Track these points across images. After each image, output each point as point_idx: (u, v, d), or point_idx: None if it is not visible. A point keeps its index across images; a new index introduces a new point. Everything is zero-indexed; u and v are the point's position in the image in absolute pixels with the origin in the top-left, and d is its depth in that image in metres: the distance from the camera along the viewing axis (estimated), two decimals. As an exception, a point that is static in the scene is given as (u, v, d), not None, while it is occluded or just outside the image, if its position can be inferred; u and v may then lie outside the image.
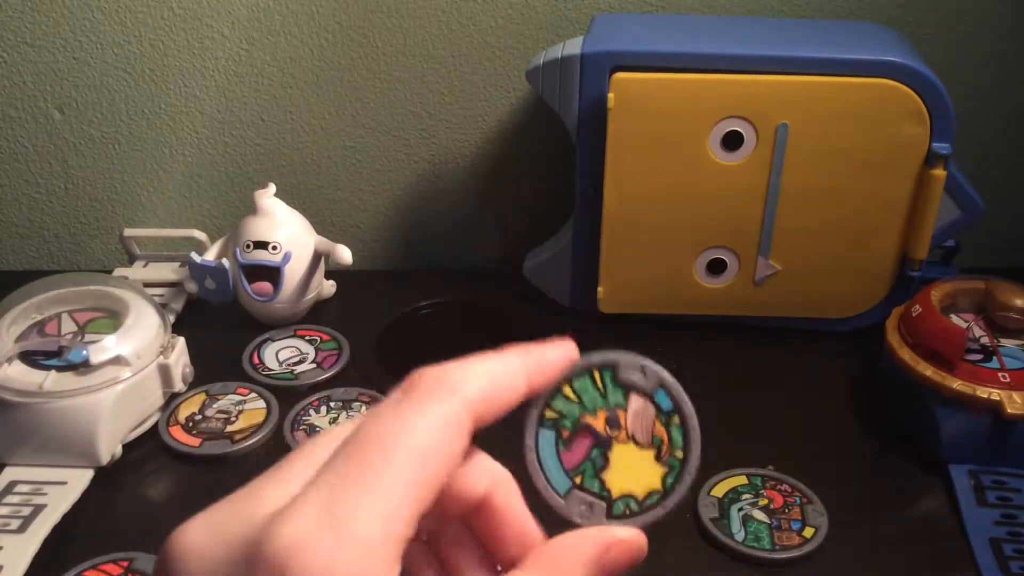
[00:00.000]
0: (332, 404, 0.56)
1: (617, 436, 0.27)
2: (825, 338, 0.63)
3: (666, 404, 0.27)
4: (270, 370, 0.59)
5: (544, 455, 0.27)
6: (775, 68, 0.55)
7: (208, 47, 0.68)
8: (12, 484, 0.49)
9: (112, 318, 0.54)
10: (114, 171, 0.72)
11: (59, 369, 0.50)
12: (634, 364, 0.27)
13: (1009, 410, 0.48)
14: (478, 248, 0.76)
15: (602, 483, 0.27)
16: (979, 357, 0.51)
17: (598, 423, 0.27)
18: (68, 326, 0.54)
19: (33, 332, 0.53)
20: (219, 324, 0.64)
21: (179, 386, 0.55)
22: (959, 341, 0.50)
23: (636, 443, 0.27)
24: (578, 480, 0.27)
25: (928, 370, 0.51)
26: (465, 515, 0.27)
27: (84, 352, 0.50)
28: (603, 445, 0.27)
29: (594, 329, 0.63)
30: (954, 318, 0.54)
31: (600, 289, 0.62)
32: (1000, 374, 0.50)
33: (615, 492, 0.27)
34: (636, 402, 0.27)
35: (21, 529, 0.46)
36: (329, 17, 0.67)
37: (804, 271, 0.60)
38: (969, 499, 0.49)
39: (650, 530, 0.49)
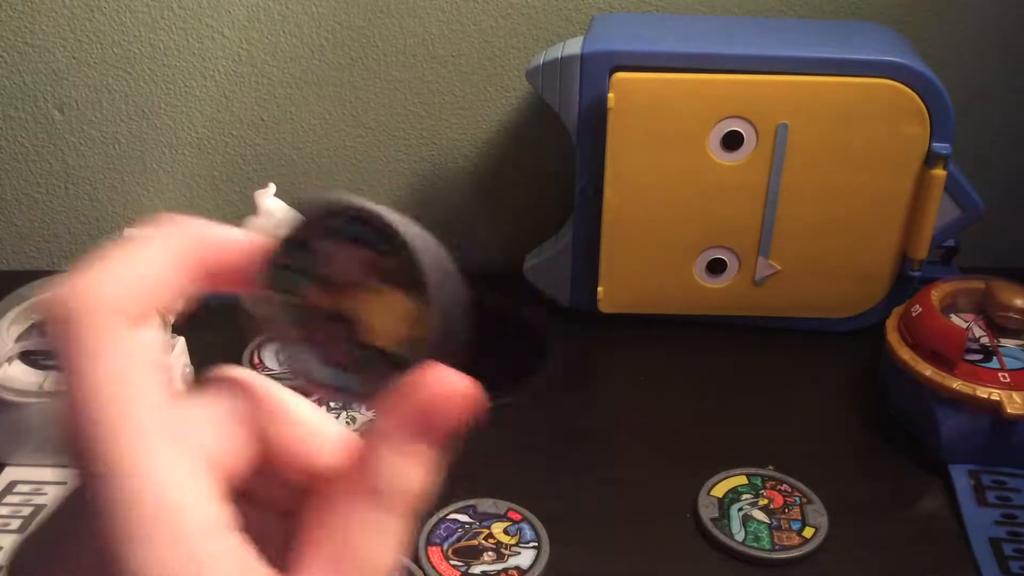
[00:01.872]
0: (333, 404, 0.56)
1: (352, 296, 0.23)
2: (825, 338, 0.63)
3: (385, 239, 0.23)
4: (270, 370, 0.59)
5: (298, 360, 0.23)
6: (775, 68, 0.55)
7: (208, 47, 0.68)
8: (12, 484, 0.49)
9: (112, 318, 0.54)
10: (114, 171, 0.72)
11: (59, 369, 0.50)
12: (320, 212, 0.23)
13: (1009, 410, 0.48)
14: (478, 248, 0.76)
15: (368, 348, 0.23)
16: (979, 357, 0.51)
17: (322, 298, 0.23)
18: (68, 326, 0.54)
19: (33, 332, 0.53)
20: (219, 324, 0.64)
21: (179, 386, 0.55)
22: (959, 341, 0.50)
23: (365, 288, 0.23)
24: (341, 358, 0.23)
25: (928, 370, 0.51)
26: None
27: (84, 352, 0.50)
28: (343, 317, 0.23)
29: (594, 329, 0.63)
30: (954, 318, 0.54)
31: (600, 289, 0.62)
32: (1000, 374, 0.50)
33: (391, 346, 0.23)
34: (350, 253, 0.23)
35: (21, 529, 0.46)
36: (329, 17, 0.67)
37: (804, 271, 0.60)
38: (969, 499, 0.49)
39: (650, 530, 0.49)
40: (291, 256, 0.23)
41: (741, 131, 0.56)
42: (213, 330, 0.63)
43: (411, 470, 0.22)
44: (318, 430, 0.24)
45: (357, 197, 0.23)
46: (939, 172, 0.56)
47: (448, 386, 0.22)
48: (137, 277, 0.22)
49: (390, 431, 0.22)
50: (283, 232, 0.23)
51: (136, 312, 0.22)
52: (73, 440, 0.20)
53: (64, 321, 0.21)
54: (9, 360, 0.51)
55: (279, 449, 0.23)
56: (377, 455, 0.21)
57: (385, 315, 0.23)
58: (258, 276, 0.23)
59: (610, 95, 0.55)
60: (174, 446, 0.20)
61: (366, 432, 0.22)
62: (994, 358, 0.51)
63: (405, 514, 0.22)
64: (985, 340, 0.52)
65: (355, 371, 0.23)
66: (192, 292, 0.23)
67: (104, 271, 0.22)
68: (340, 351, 0.23)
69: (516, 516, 0.47)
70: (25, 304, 0.54)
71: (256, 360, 0.60)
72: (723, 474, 0.50)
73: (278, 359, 0.24)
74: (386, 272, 0.23)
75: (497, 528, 0.46)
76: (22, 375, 0.50)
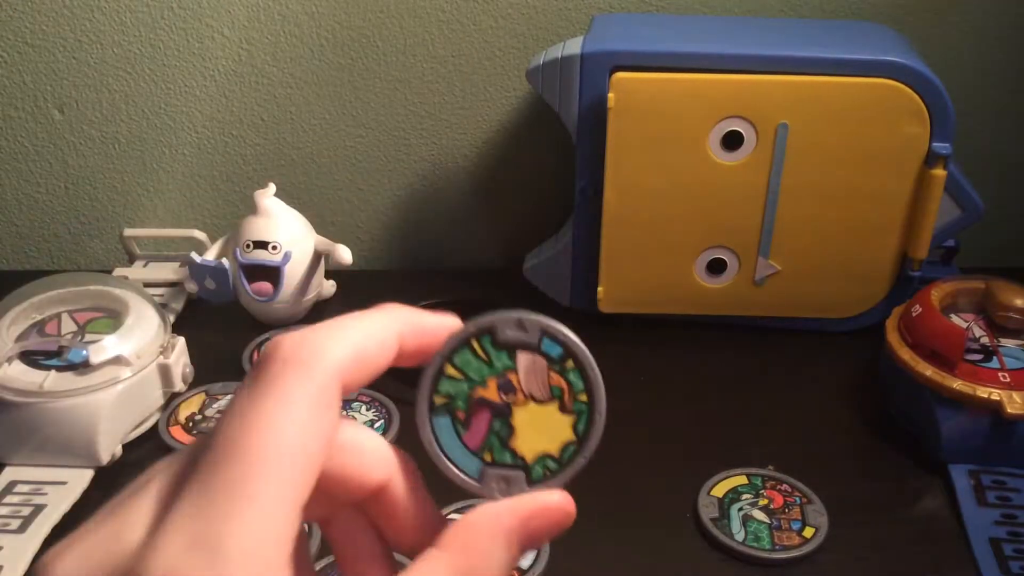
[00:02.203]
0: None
1: (514, 400, 0.26)
2: (825, 338, 0.63)
3: (555, 351, 0.25)
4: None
5: (446, 444, 0.26)
6: (775, 68, 0.55)
7: (208, 47, 0.68)
8: (12, 484, 0.49)
9: (112, 318, 0.54)
10: (114, 171, 0.72)
11: (59, 369, 0.50)
12: (510, 320, 0.25)
13: (1009, 410, 0.48)
14: (478, 248, 0.76)
15: (513, 452, 0.26)
16: (979, 357, 0.51)
17: (491, 393, 0.26)
18: (68, 326, 0.54)
19: (33, 332, 0.53)
20: (219, 324, 0.64)
21: (179, 386, 0.55)
22: (959, 341, 0.50)
23: (536, 400, 0.26)
24: (487, 458, 0.26)
25: (928, 370, 0.51)
26: (362, 503, 0.25)
27: (84, 352, 0.50)
28: (502, 414, 0.26)
29: (594, 329, 0.63)
30: (954, 318, 0.54)
31: (600, 289, 0.62)
32: (1000, 374, 0.50)
33: (529, 457, 0.26)
34: (524, 359, 0.25)
35: (21, 529, 0.46)
36: (329, 17, 0.67)
37: (804, 271, 0.60)
38: (969, 499, 0.49)
39: (650, 530, 0.49)
40: (482, 347, 0.26)
41: (741, 131, 0.56)
42: (213, 330, 0.64)
43: (504, 571, 0.24)
44: (364, 449, 0.25)
45: (557, 322, 0.26)
46: (939, 172, 0.56)
47: (562, 507, 0.25)
48: (362, 345, 0.23)
49: (504, 531, 0.24)
50: (479, 324, 0.25)
51: (352, 377, 0.23)
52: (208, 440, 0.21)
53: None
54: (9, 360, 0.51)
55: (333, 476, 0.24)
56: (487, 547, 0.24)
57: (537, 428, 0.26)
58: (443, 357, 0.26)
59: (610, 95, 0.55)
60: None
61: (475, 517, 0.24)
62: (994, 358, 0.51)
63: None
64: (985, 340, 0.52)
65: (484, 462, 0.26)
66: (396, 365, 0.25)
67: (337, 330, 0.23)
68: (482, 439, 0.26)
69: (516, 516, 0.47)
70: (25, 304, 0.54)
71: (256, 360, 0.60)
72: (723, 474, 0.50)
73: (423, 428, 0.26)
74: (555, 389, 0.26)
75: (497, 528, 0.46)
76: (22, 375, 0.50)
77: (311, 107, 0.70)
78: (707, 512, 0.48)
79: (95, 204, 0.73)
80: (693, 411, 0.56)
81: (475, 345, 0.25)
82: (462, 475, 0.26)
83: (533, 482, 0.26)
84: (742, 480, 0.50)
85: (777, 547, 0.46)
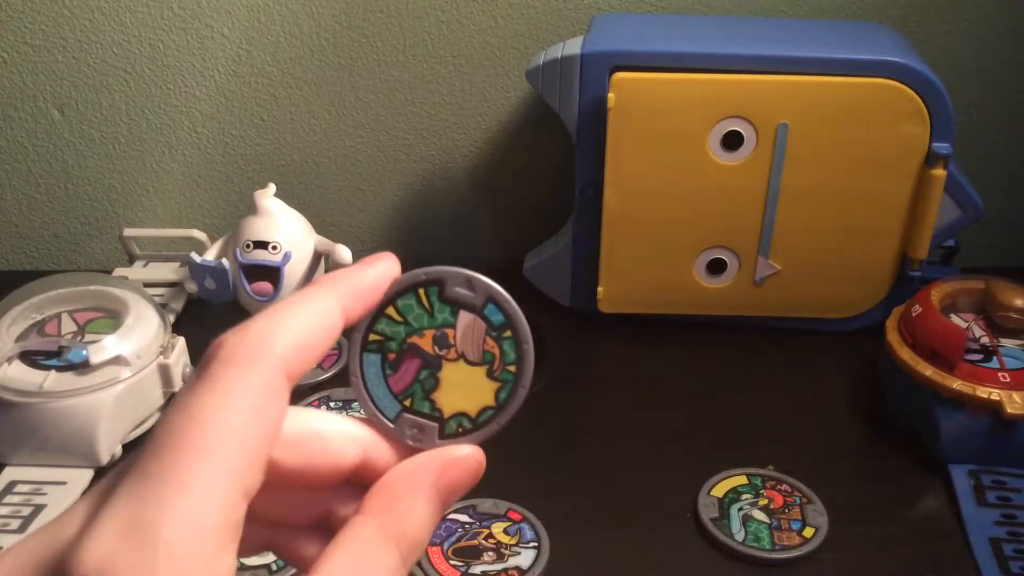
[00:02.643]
0: (332, 404, 0.56)
1: (446, 355, 0.26)
2: (825, 338, 0.63)
3: (496, 318, 0.26)
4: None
5: (370, 380, 0.26)
6: (775, 68, 0.55)
7: (208, 47, 0.68)
8: (12, 484, 0.49)
9: (112, 318, 0.54)
10: (114, 171, 0.72)
11: (59, 369, 0.50)
12: (461, 278, 0.26)
13: (1009, 410, 0.48)
14: (478, 248, 0.76)
15: (433, 404, 0.26)
16: (979, 357, 0.51)
17: (425, 343, 0.26)
18: (68, 326, 0.54)
19: (33, 332, 0.53)
20: (219, 324, 0.64)
21: (179, 386, 0.55)
22: (959, 341, 0.50)
23: (466, 360, 0.26)
24: (407, 403, 0.26)
25: (928, 370, 0.51)
26: (353, 483, 0.26)
27: (84, 352, 0.50)
28: (432, 365, 0.26)
29: (594, 329, 0.63)
30: (954, 318, 0.54)
31: (600, 289, 0.62)
32: (1000, 374, 0.50)
33: (447, 411, 0.26)
34: (465, 318, 0.26)
35: (21, 529, 0.46)
36: (329, 17, 0.67)
37: (804, 271, 0.60)
38: (969, 499, 0.49)
39: (650, 530, 0.49)
40: (427, 297, 0.26)
41: (741, 131, 0.56)
42: (213, 330, 0.64)
43: (430, 525, 0.24)
44: (327, 435, 0.25)
45: (504, 291, 0.26)
46: (939, 172, 0.56)
47: (474, 458, 0.25)
48: (305, 335, 0.23)
49: (422, 486, 0.24)
50: (430, 274, 0.26)
51: (297, 367, 0.23)
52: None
53: (224, 361, 0.22)
54: (9, 360, 0.51)
55: (302, 470, 0.24)
56: (408, 504, 0.24)
57: (461, 387, 0.26)
58: (387, 297, 0.26)
59: (610, 95, 0.55)
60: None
61: (392, 477, 0.25)
62: (994, 358, 0.51)
63: (409, 564, 0.24)
64: (985, 340, 0.52)
65: (403, 406, 0.26)
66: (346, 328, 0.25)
67: (279, 323, 0.23)
68: (406, 384, 0.26)
69: (516, 516, 0.47)
70: (25, 304, 0.54)
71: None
72: (723, 474, 0.50)
73: (353, 360, 0.27)
74: (487, 354, 0.26)
75: (497, 528, 0.46)
76: (22, 375, 0.50)
77: (311, 107, 0.70)
78: (707, 512, 0.48)
79: (95, 204, 0.73)
80: (693, 411, 0.56)
81: (421, 294, 0.26)
82: (379, 414, 0.26)
83: (446, 436, 0.26)
84: (742, 480, 0.50)
85: (777, 547, 0.46)
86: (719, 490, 0.49)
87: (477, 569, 0.44)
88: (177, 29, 0.67)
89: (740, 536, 0.46)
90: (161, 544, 0.19)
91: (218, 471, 0.20)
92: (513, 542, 0.46)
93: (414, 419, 0.26)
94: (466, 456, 0.25)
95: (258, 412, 0.22)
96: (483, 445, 0.26)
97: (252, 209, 0.63)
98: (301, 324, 0.23)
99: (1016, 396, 0.48)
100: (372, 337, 0.26)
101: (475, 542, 0.46)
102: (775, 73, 0.55)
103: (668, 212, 0.59)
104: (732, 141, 0.57)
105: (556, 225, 0.66)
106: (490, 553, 0.45)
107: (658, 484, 0.50)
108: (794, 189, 0.57)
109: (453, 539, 0.46)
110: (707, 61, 0.55)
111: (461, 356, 0.26)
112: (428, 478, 0.25)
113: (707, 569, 0.45)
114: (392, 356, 0.26)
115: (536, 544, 0.46)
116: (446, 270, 0.26)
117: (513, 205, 0.74)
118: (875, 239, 0.59)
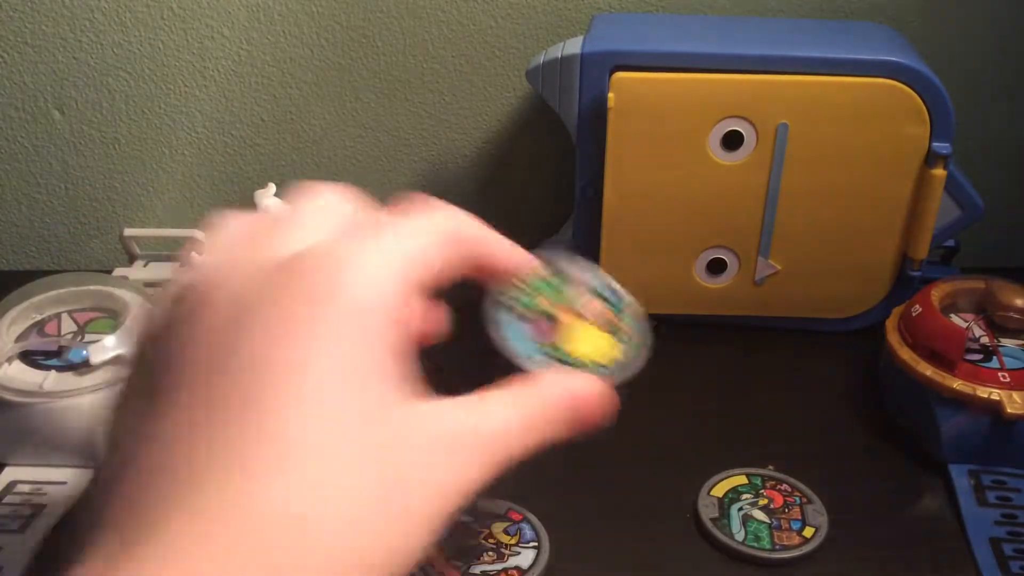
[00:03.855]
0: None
1: (576, 318, 0.30)
2: (825, 338, 0.63)
3: (616, 302, 0.31)
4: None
5: (507, 331, 0.29)
6: (775, 68, 0.55)
7: (208, 47, 0.68)
8: (12, 484, 0.49)
9: (112, 318, 0.54)
10: (114, 171, 0.72)
11: (59, 369, 0.50)
12: (585, 270, 0.31)
13: (1009, 410, 0.48)
14: (478, 248, 0.76)
15: (567, 353, 0.29)
16: (979, 357, 0.51)
17: (557, 310, 0.30)
18: (68, 326, 0.54)
19: (33, 332, 0.53)
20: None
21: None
22: (959, 341, 0.50)
23: (594, 325, 0.30)
24: (547, 351, 0.29)
25: (928, 370, 0.51)
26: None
27: (84, 352, 0.50)
28: (563, 325, 0.30)
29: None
30: (954, 318, 0.54)
31: (600, 289, 0.62)
32: (1000, 374, 0.50)
33: (582, 358, 0.29)
34: (589, 299, 0.31)
35: (21, 529, 0.46)
36: (329, 17, 0.67)
37: (804, 271, 0.60)
38: (969, 499, 0.49)
39: (650, 530, 0.49)
40: (557, 276, 0.31)
41: (741, 131, 0.56)
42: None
43: (546, 436, 0.28)
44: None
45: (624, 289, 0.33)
46: (939, 172, 0.56)
47: (611, 397, 0.29)
48: (402, 258, 0.27)
49: (566, 395, 0.28)
50: (558, 264, 0.31)
51: (398, 295, 0.26)
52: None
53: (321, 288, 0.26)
54: (9, 360, 0.51)
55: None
56: (549, 408, 0.27)
57: (588, 343, 0.30)
58: (521, 276, 0.30)
59: (610, 95, 0.55)
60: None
61: (545, 377, 0.28)
62: (994, 358, 0.51)
63: (504, 461, 0.27)
64: (985, 340, 0.52)
65: (543, 354, 0.29)
66: (452, 274, 0.29)
67: (376, 250, 0.27)
68: (545, 336, 0.30)
69: (516, 516, 0.47)
70: (25, 304, 0.54)
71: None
72: (723, 474, 0.50)
73: (490, 319, 0.31)
74: (609, 324, 0.31)
75: (497, 528, 0.46)
76: (22, 375, 0.50)
77: (311, 107, 0.70)
78: (707, 512, 0.48)
79: (95, 204, 0.73)
80: (693, 411, 0.56)
81: (550, 280, 0.30)
82: (519, 355, 0.29)
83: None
84: (742, 480, 0.50)
85: (777, 547, 0.46)
86: (719, 490, 0.49)
87: (477, 569, 0.44)
88: (177, 29, 0.67)
89: (740, 536, 0.46)
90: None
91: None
92: (513, 542, 0.46)
93: (552, 362, 0.29)
94: (604, 392, 0.29)
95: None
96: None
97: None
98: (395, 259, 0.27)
99: (1016, 396, 0.48)
100: (505, 301, 0.29)
101: (475, 542, 0.46)
102: (775, 73, 0.55)
103: (668, 212, 0.59)
104: (732, 141, 0.57)
105: (556, 225, 0.66)
106: (490, 553, 0.45)
107: (658, 484, 0.50)
108: (794, 189, 0.57)
109: (453, 539, 0.46)
110: (707, 61, 0.55)
111: (588, 322, 0.30)
112: (568, 397, 0.28)
113: (707, 569, 0.45)
114: (526, 315, 0.29)
115: (536, 544, 0.46)
116: (573, 267, 0.31)
117: (513, 205, 0.74)
118: (875, 239, 0.59)
